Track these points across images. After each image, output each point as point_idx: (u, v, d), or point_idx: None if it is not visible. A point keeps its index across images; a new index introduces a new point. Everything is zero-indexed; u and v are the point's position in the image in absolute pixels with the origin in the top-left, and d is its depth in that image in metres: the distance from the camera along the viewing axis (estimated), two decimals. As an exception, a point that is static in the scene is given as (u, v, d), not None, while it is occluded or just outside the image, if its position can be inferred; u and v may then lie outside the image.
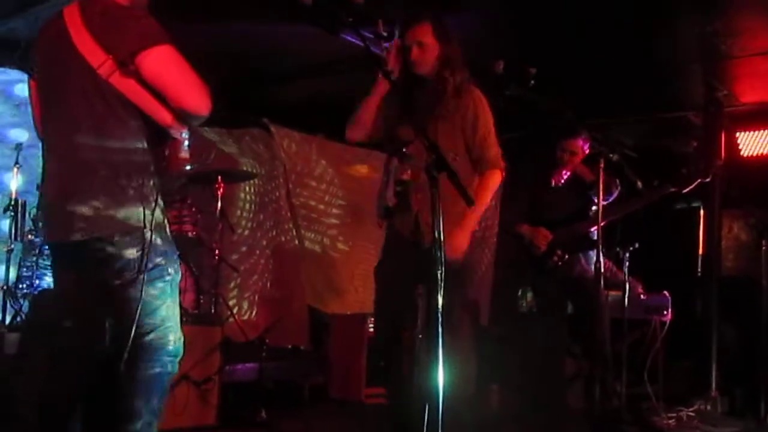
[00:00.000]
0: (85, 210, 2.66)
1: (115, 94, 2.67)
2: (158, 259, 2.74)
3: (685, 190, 5.20)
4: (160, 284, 2.77)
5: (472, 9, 4.80)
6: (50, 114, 2.84)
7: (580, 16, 4.87)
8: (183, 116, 2.74)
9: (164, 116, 2.73)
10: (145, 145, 2.74)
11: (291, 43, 5.38)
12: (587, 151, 5.43)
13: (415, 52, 3.76)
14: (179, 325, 2.87)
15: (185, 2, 4.59)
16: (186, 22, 4.83)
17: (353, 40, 4.74)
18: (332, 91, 6.24)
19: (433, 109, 3.68)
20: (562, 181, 5.46)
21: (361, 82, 5.64)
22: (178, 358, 2.86)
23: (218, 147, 6.49)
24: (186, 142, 2.85)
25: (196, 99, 2.69)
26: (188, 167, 2.97)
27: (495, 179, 3.84)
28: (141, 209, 2.69)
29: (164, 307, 2.80)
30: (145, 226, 2.68)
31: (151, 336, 2.77)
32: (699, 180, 5.17)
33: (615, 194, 5.12)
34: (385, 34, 4.72)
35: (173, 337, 2.83)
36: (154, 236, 2.69)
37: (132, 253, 2.69)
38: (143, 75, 2.65)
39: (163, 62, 2.65)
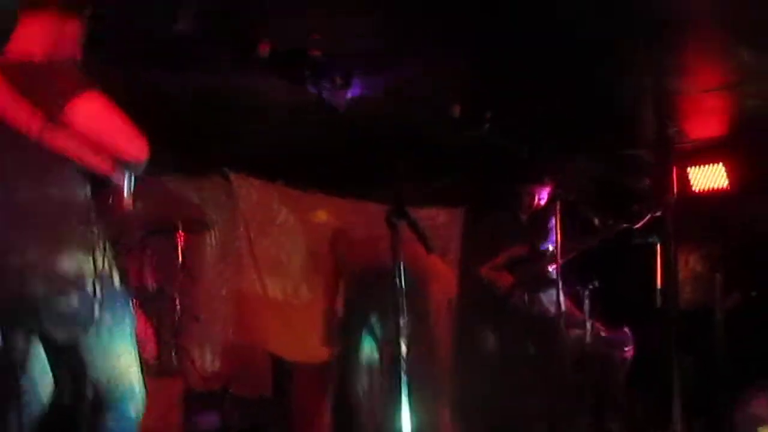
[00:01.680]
0: (23, 262, 2.63)
1: (49, 150, 2.64)
2: (112, 309, 2.73)
3: (637, 226, 5.31)
4: (117, 333, 2.76)
5: (426, 55, 4.87)
6: None
7: (531, 59, 4.96)
8: (122, 165, 2.73)
9: (103, 165, 2.71)
10: (87, 193, 2.73)
11: (248, 90, 5.40)
12: (547, 195, 5.54)
13: None
14: (140, 369, 2.86)
15: (142, 53, 4.62)
16: (143, 71, 4.87)
17: (312, 90, 4.79)
18: (291, 137, 6.29)
19: None
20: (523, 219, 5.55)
21: (318, 127, 5.73)
22: (144, 403, 2.85)
23: (179, 197, 6.49)
24: (127, 187, 2.82)
25: (133, 146, 2.69)
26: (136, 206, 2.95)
27: None
28: (84, 258, 2.67)
29: (126, 355, 2.79)
30: (90, 275, 2.66)
31: (120, 385, 2.77)
32: (650, 215, 5.29)
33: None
34: (341, 83, 4.80)
35: (137, 381, 2.82)
36: (101, 284, 2.68)
37: (81, 303, 2.66)
38: (74, 126, 2.63)
39: (92, 111, 2.65)
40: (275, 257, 6.93)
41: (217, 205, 6.82)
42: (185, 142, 5.93)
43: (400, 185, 3.79)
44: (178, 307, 5.50)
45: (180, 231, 5.56)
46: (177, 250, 5.56)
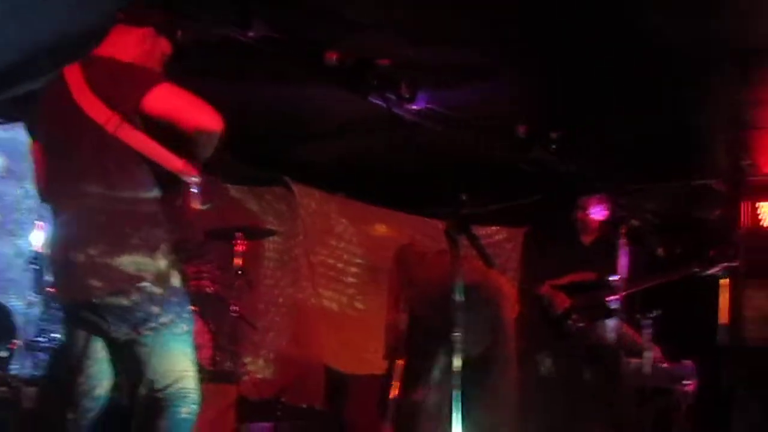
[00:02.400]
0: (87, 259, 2.69)
1: (123, 147, 2.72)
2: (170, 310, 2.76)
3: (709, 272, 5.20)
4: (175, 335, 2.80)
5: (499, 74, 4.83)
6: (58, 173, 2.88)
7: (605, 85, 4.90)
8: (199, 137, 2.79)
9: (174, 162, 2.79)
10: (155, 194, 2.80)
11: (314, 102, 5.43)
12: (605, 214, 5.44)
13: None
14: (196, 372, 2.89)
15: (211, 61, 4.67)
16: (212, 80, 4.92)
17: (377, 101, 4.78)
18: (354, 151, 6.30)
19: None
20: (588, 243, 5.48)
21: (382, 142, 5.73)
22: (198, 406, 2.87)
23: (240, 205, 6.54)
24: (197, 188, 2.86)
25: (209, 116, 2.78)
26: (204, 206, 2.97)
27: None
28: (146, 259, 2.71)
29: (183, 357, 2.83)
30: (151, 274, 2.71)
31: (177, 385, 2.80)
32: (725, 264, 5.18)
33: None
34: (407, 96, 4.78)
35: (193, 385, 2.85)
36: (161, 285, 2.72)
37: (141, 302, 2.71)
38: (154, 114, 2.72)
39: (168, 94, 2.76)
40: (332, 268, 6.94)
41: (277, 214, 6.86)
42: (249, 150, 5.98)
43: (461, 201, 3.75)
44: (235, 313, 5.51)
45: (240, 238, 5.57)
46: (236, 256, 5.58)
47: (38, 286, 4.98)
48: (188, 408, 2.81)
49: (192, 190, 2.82)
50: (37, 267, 4.98)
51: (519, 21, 4.16)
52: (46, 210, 2.98)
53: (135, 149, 2.74)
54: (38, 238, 5.08)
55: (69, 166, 2.80)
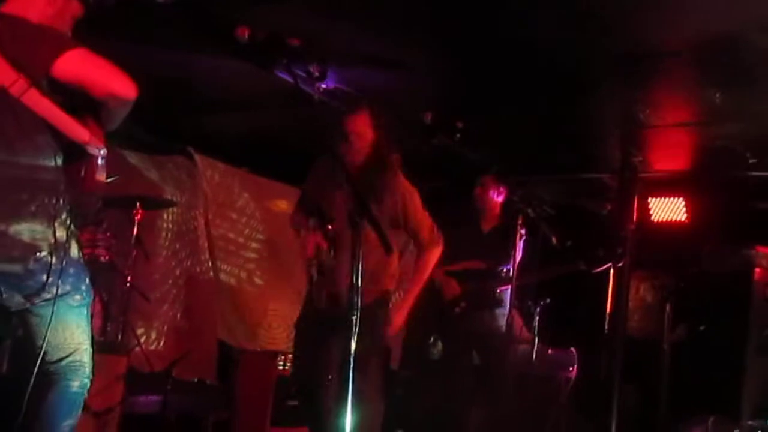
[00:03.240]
0: None
1: (27, 112, 2.63)
2: (68, 281, 2.70)
3: (595, 271, 5.42)
4: (71, 306, 2.74)
5: (406, 57, 4.88)
6: None
7: (508, 78, 5.01)
8: (111, 104, 2.73)
9: (80, 133, 2.71)
10: (57, 163, 2.71)
11: (222, 74, 5.36)
12: (502, 195, 5.56)
13: (354, 142, 3.95)
14: (92, 347, 2.86)
15: (119, 24, 4.55)
16: (118, 43, 4.79)
17: (285, 77, 4.76)
18: (259, 126, 6.25)
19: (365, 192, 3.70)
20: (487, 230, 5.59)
21: (288, 118, 5.70)
22: (90, 380, 2.85)
23: (140, 172, 6.39)
24: (102, 160, 2.80)
25: (124, 83, 2.71)
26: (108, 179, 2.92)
27: (432, 257, 4.16)
28: (43, 228, 2.65)
29: (78, 330, 2.78)
30: (49, 244, 2.65)
31: (70, 359, 2.76)
32: (611, 263, 5.40)
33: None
34: (317, 74, 4.78)
35: (87, 359, 2.82)
36: (59, 254, 2.66)
37: (38, 271, 2.64)
38: (65, 78, 2.65)
39: (81, 59, 2.68)
40: (232, 242, 6.89)
41: (178, 184, 6.73)
42: (153, 118, 5.86)
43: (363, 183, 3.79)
44: (129, 284, 5.40)
45: (138, 207, 5.46)
46: (133, 225, 5.46)
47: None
48: (80, 381, 2.78)
49: (97, 161, 2.76)
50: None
51: (432, 16, 4.23)
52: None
53: (40, 116, 2.65)
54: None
55: None
